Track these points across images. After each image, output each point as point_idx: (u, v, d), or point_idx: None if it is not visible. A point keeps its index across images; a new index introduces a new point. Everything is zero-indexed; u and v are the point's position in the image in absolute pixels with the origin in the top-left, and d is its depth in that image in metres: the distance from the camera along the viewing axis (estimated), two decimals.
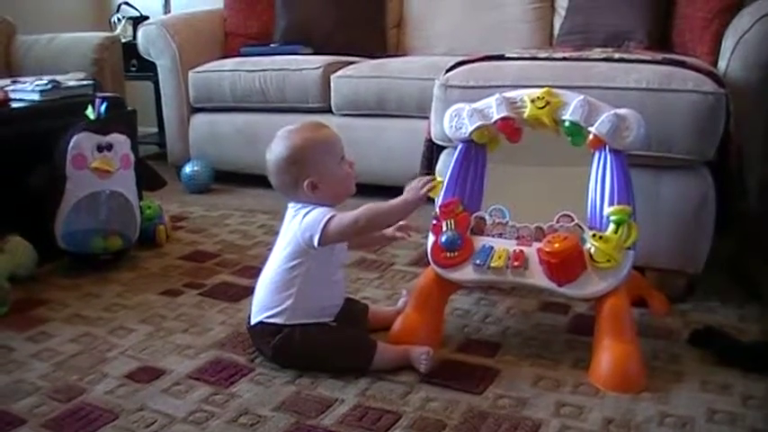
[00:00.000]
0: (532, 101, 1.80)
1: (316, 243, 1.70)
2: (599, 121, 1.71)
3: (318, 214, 1.71)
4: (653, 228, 1.98)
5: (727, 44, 2.41)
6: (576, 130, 1.75)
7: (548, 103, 1.78)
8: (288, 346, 1.72)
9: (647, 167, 2.00)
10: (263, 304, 1.77)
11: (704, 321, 1.92)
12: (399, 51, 3.89)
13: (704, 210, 2.00)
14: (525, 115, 1.80)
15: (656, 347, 1.80)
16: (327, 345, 1.73)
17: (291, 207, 1.80)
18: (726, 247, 2.18)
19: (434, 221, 1.88)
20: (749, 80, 2.30)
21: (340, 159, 1.79)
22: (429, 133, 2.29)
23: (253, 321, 1.79)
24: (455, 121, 1.89)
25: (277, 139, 1.80)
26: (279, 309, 1.74)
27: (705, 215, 2.01)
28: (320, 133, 1.80)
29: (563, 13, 3.39)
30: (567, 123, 1.76)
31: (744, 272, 2.20)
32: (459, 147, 1.91)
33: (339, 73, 3.35)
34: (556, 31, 3.45)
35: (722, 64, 2.40)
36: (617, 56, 2.22)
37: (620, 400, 1.57)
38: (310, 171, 1.74)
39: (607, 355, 1.65)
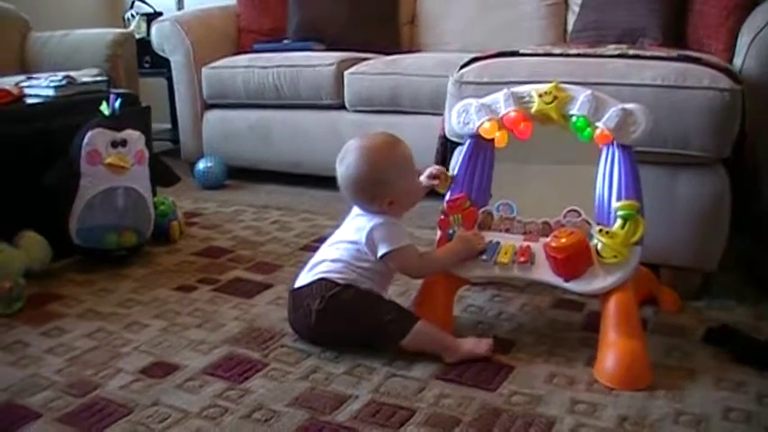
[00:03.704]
0: (540, 96, 1.80)
1: (378, 255, 1.78)
2: (606, 116, 1.72)
3: (397, 236, 1.80)
4: (668, 225, 1.98)
5: (743, 41, 2.40)
6: (584, 125, 1.75)
7: (555, 98, 1.79)
8: (339, 299, 1.76)
9: (662, 165, 2.00)
10: (330, 270, 1.81)
11: (719, 319, 1.92)
12: (413, 48, 3.89)
13: (720, 207, 1.99)
14: (533, 110, 1.81)
15: (671, 345, 1.80)
16: (375, 305, 1.77)
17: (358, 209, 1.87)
18: (741, 245, 2.17)
19: (442, 216, 1.89)
20: (765, 77, 2.29)
21: (413, 174, 1.86)
22: (443, 130, 2.28)
23: (309, 281, 1.82)
24: (462, 116, 1.90)
25: (355, 155, 1.80)
26: (343, 276, 1.79)
27: (720, 213, 2.00)
28: (399, 152, 1.83)
29: (577, 9, 3.37)
30: (574, 118, 1.76)
31: (758, 270, 2.19)
32: (467, 142, 1.92)
33: (352, 69, 3.35)
34: (569, 28, 3.43)
35: (738, 61, 2.39)
36: (631, 52, 2.21)
37: (635, 397, 1.56)
38: (389, 191, 1.78)
39: (613, 351, 1.65)
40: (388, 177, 1.78)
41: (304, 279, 1.84)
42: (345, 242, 1.83)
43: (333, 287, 1.77)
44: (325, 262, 1.84)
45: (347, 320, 1.77)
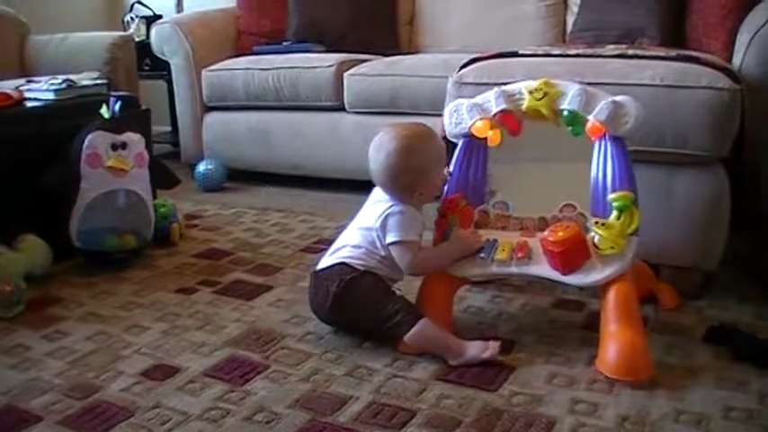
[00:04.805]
0: (530, 92, 1.81)
1: (387, 241, 1.82)
2: (597, 109, 1.72)
3: (410, 228, 1.83)
4: (668, 224, 1.98)
5: (742, 40, 2.40)
6: (575, 119, 1.76)
7: (545, 93, 1.79)
8: (356, 284, 1.81)
9: (661, 164, 2.00)
10: (351, 256, 1.85)
11: (719, 318, 1.92)
12: (412, 49, 3.89)
13: (719, 206, 2.00)
14: (524, 107, 1.82)
15: (671, 344, 1.80)
16: (387, 295, 1.81)
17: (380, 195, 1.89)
18: (741, 244, 2.17)
19: (438, 216, 1.90)
20: (764, 76, 2.28)
21: (443, 168, 1.90)
22: (443, 131, 2.28)
23: (330, 263, 1.86)
24: (455, 116, 1.92)
25: (396, 144, 1.82)
26: (363, 262, 1.83)
27: (720, 212, 2.00)
28: (437, 144, 1.87)
29: (576, 9, 3.38)
30: (565, 113, 1.77)
31: (759, 269, 2.19)
32: (461, 142, 1.92)
33: (352, 71, 3.35)
34: (569, 28, 3.44)
35: (737, 60, 2.38)
36: (630, 52, 2.21)
37: (635, 396, 1.56)
38: (423, 181, 1.82)
39: (614, 342, 1.65)
40: (426, 168, 1.82)
41: (326, 262, 1.88)
42: (364, 229, 1.86)
43: (352, 272, 1.82)
44: (347, 247, 1.87)
45: (360, 306, 1.80)
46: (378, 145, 1.84)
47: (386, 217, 1.81)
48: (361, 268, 1.82)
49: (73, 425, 1.51)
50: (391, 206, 1.82)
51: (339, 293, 1.81)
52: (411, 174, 1.80)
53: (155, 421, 1.52)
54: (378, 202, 1.87)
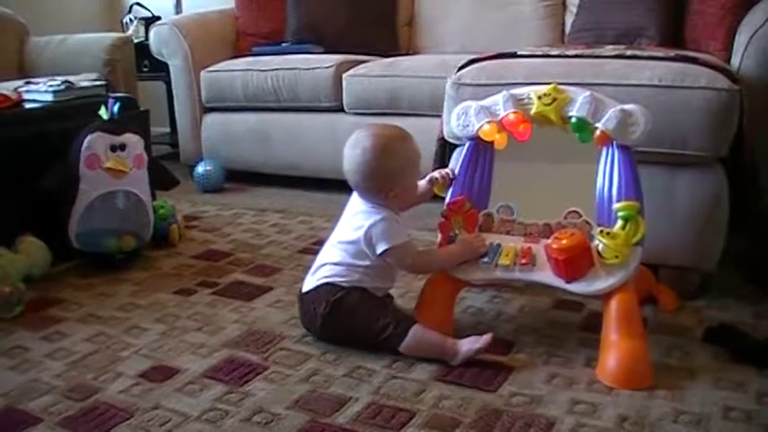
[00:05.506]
0: (539, 98, 1.80)
1: (377, 252, 1.79)
2: (605, 117, 1.72)
3: (396, 233, 1.80)
4: (666, 225, 1.98)
5: (741, 40, 2.40)
6: (583, 127, 1.75)
7: (554, 99, 1.79)
8: (344, 303, 1.79)
9: (660, 165, 2.00)
10: (333, 274, 1.83)
11: (718, 318, 1.92)
12: (411, 50, 3.89)
13: (718, 207, 2.00)
14: (532, 112, 1.81)
15: (670, 345, 1.80)
16: (376, 309, 1.79)
17: (360, 201, 1.86)
18: (740, 244, 2.17)
19: (443, 219, 1.89)
20: (763, 76, 2.29)
21: (418, 172, 1.88)
22: (441, 132, 2.28)
23: (315, 285, 1.84)
24: (462, 119, 1.90)
25: (371, 142, 1.80)
26: (347, 278, 1.81)
27: (719, 212, 2.00)
28: (413, 146, 1.85)
29: (574, 10, 3.37)
30: (573, 120, 1.76)
31: (758, 270, 2.19)
32: (467, 145, 1.92)
33: (351, 72, 3.35)
34: (567, 29, 3.43)
35: (735, 60, 2.39)
36: (629, 53, 2.21)
37: (634, 397, 1.56)
38: (398, 182, 1.80)
39: (614, 351, 1.65)
40: (400, 169, 1.80)
41: (310, 283, 1.86)
42: (345, 243, 1.84)
43: (337, 291, 1.80)
44: (328, 265, 1.85)
45: (350, 324, 1.79)
46: (353, 143, 1.82)
47: (369, 229, 1.78)
48: (346, 285, 1.81)
49: (72, 426, 1.51)
50: (370, 217, 1.80)
51: (327, 315, 1.80)
52: (386, 173, 1.78)
53: (154, 422, 1.52)
54: (357, 214, 1.84)
